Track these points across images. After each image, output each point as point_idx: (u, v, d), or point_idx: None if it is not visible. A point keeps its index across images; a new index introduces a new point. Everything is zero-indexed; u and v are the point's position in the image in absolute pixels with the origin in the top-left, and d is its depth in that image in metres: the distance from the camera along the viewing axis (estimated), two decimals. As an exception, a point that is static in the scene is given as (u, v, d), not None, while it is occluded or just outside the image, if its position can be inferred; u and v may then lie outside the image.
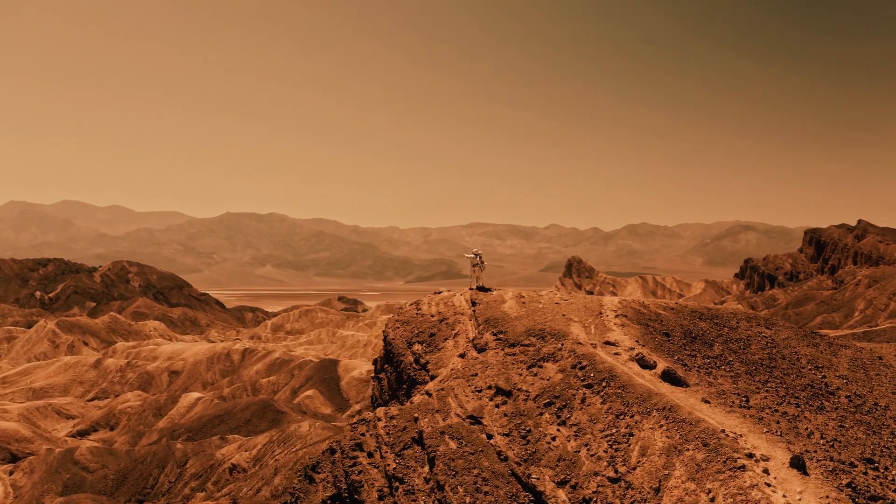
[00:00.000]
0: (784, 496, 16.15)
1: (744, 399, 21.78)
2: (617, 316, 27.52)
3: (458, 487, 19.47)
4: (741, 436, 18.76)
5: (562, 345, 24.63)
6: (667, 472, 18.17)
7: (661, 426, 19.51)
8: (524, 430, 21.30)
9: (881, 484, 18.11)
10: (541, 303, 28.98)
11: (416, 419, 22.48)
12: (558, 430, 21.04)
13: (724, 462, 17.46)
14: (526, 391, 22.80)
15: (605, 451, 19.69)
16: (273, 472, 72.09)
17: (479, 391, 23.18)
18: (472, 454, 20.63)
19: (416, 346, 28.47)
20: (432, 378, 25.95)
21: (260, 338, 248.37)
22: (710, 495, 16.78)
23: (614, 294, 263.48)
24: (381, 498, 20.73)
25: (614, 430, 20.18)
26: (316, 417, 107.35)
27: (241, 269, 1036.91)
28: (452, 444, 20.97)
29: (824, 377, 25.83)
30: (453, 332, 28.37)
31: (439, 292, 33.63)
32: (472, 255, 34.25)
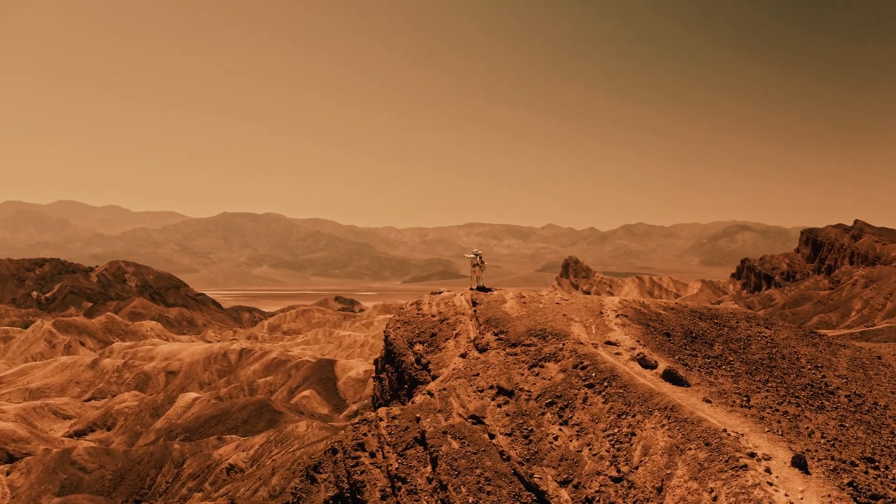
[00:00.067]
0: (786, 495, 16.22)
1: (745, 399, 21.86)
2: (618, 316, 27.59)
3: (461, 487, 19.52)
4: (743, 435, 18.83)
5: (563, 345, 24.69)
6: (669, 471, 18.23)
7: (663, 426, 19.58)
8: (526, 429, 21.35)
9: (882, 483, 18.20)
10: (541, 303, 29.03)
11: (418, 419, 22.51)
12: (560, 429, 21.10)
13: (727, 461, 17.53)
14: (528, 391, 22.85)
15: (607, 451, 19.76)
16: (270, 473, 72.06)
17: (481, 391, 23.22)
18: (475, 454, 20.68)
19: (418, 346, 28.50)
20: (434, 378, 25.99)
21: (257, 338, 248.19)
22: (713, 494, 16.85)
23: (611, 294, 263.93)
24: (383, 498, 20.76)
25: (616, 430, 20.24)
26: (313, 417, 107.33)
27: (237, 269, 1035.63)
28: (455, 444, 21.01)
29: (824, 377, 25.94)
30: (454, 332, 28.41)
31: (439, 292, 33.65)
32: (473, 256, 34.27)
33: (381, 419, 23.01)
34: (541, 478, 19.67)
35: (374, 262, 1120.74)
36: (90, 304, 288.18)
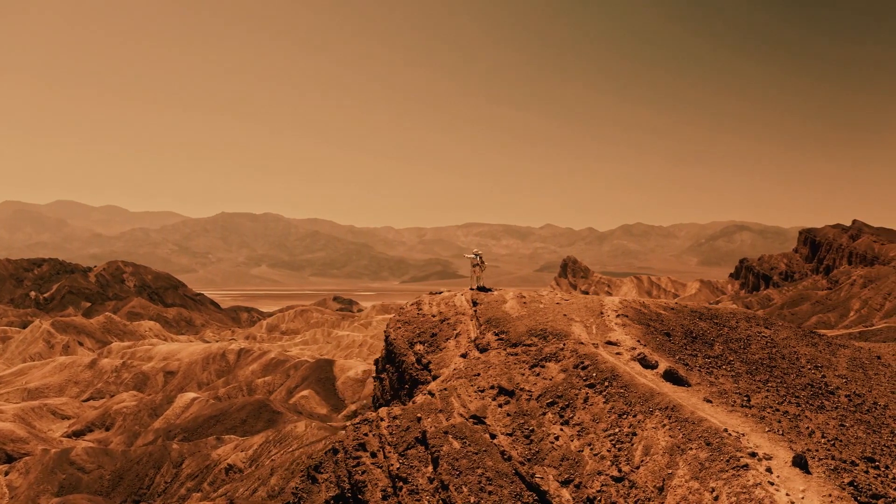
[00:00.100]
0: (787, 494, 16.26)
1: (745, 398, 21.89)
2: (618, 316, 27.63)
3: (463, 487, 19.54)
4: (743, 435, 18.87)
5: (564, 345, 24.72)
6: (670, 471, 18.27)
7: (664, 425, 19.61)
8: (527, 429, 21.38)
9: (882, 482, 18.24)
10: (542, 303, 29.06)
11: (419, 419, 22.53)
12: (561, 429, 21.13)
13: (728, 461, 17.57)
14: (528, 391, 22.88)
15: (608, 451, 19.79)
16: (269, 473, 72.04)
17: (482, 391, 23.25)
18: (476, 454, 20.70)
19: (418, 346, 28.52)
20: (434, 378, 26.01)
21: (255, 338, 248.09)
22: (714, 494, 16.88)
23: (609, 294, 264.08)
24: (384, 498, 20.78)
25: (617, 430, 20.27)
26: (312, 418, 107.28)
27: (236, 269, 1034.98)
28: (456, 444, 21.03)
29: (824, 377, 25.98)
30: (455, 332, 28.43)
31: (439, 292, 33.67)
32: (473, 256, 34.30)
33: (382, 419, 23.03)
34: (542, 478, 19.70)
35: (372, 262, 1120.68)
36: (88, 305, 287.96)
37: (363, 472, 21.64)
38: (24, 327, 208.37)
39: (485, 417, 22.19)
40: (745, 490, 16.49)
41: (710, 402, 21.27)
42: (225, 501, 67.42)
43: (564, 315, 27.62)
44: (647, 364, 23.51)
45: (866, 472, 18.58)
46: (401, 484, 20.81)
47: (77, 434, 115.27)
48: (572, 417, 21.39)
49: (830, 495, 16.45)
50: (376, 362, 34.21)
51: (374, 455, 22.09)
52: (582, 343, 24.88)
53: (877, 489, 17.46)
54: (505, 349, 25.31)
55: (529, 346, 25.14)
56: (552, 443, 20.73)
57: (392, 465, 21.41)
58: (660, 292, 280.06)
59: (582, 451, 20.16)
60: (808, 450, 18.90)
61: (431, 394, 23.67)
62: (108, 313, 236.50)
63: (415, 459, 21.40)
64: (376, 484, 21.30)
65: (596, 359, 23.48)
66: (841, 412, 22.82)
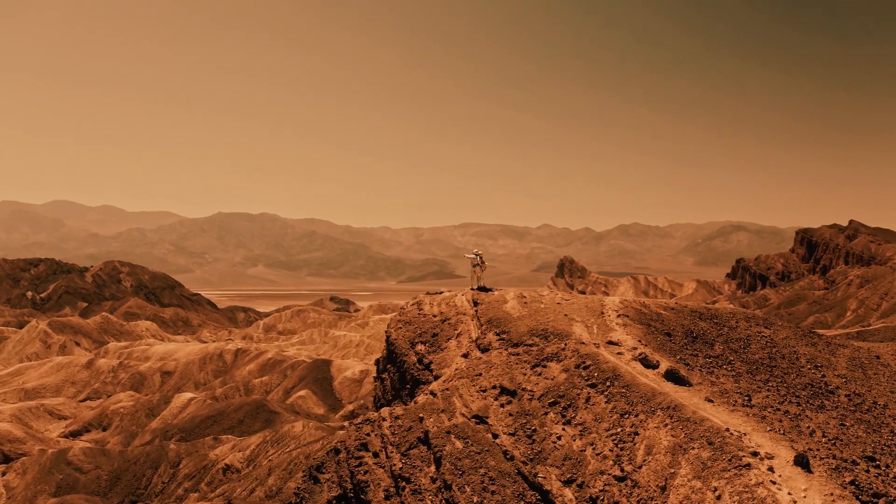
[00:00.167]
0: (789, 493, 16.34)
1: (746, 398, 21.98)
2: (619, 316, 27.70)
3: (466, 487, 19.58)
4: (745, 434, 18.95)
5: (565, 345, 24.79)
6: (673, 470, 18.34)
7: (666, 425, 19.68)
8: (529, 429, 21.43)
9: (883, 481, 18.34)
10: (543, 303, 29.12)
11: (421, 419, 22.57)
12: (563, 429, 21.19)
13: (730, 460, 17.65)
14: (530, 391, 22.93)
15: (610, 450, 19.85)
16: (267, 473, 71.98)
17: (484, 391, 23.30)
18: (479, 453, 20.75)
19: (419, 347, 28.55)
20: (436, 378, 26.05)
21: (252, 338, 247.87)
22: (717, 493, 16.96)
23: (606, 294, 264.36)
24: (387, 497, 20.81)
25: (619, 430, 20.33)
26: (309, 418, 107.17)
27: (232, 269, 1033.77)
28: (458, 444, 21.07)
29: (824, 376, 26.08)
30: (456, 332, 28.46)
31: (439, 292, 33.70)
32: (473, 256, 34.33)
33: (384, 419, 23.06)
34: (545, 477, 19.75)
35: (369, 262, 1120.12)
36: (85, 305, 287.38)
37: (365, 473, 21.67)
38: (21, 327, 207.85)
39: (487, 417, 22.24)
40: (747, 489, 16.57)
41: (712, 401, 21.35)
42: (222, 502, 67.38)
43: (565, 315, 27.68)
44: (648, 364, 23.58)
45: (867, 471, 18.68)
46: (403, 484, 20.84)
47: (74, 434, 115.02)
48: (574, 417, 21.45)
49: (832, 494, 16.54)
50: (377, 362, 34.23)
51: (376, 455, 22.12)
52: (583, 343, 24.95)
53: (878, 488, 17.56)
54: (506, 349, 25.37)
55: (531, 345, 25.19)
56: (554, 442, 20.79)
57: (394, 464, 21.45)
58: (656, 292, 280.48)
59: (584, 450, 20.22)
60: (810, 449, 18.99)
61: (433, 394, 23.71)
62: (104, 313, 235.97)
63: (417, 459, 21.44)
64: (379, 484, 21.33)
65: (597, 359, 23.55)
66: (841, 412, 22.92)
